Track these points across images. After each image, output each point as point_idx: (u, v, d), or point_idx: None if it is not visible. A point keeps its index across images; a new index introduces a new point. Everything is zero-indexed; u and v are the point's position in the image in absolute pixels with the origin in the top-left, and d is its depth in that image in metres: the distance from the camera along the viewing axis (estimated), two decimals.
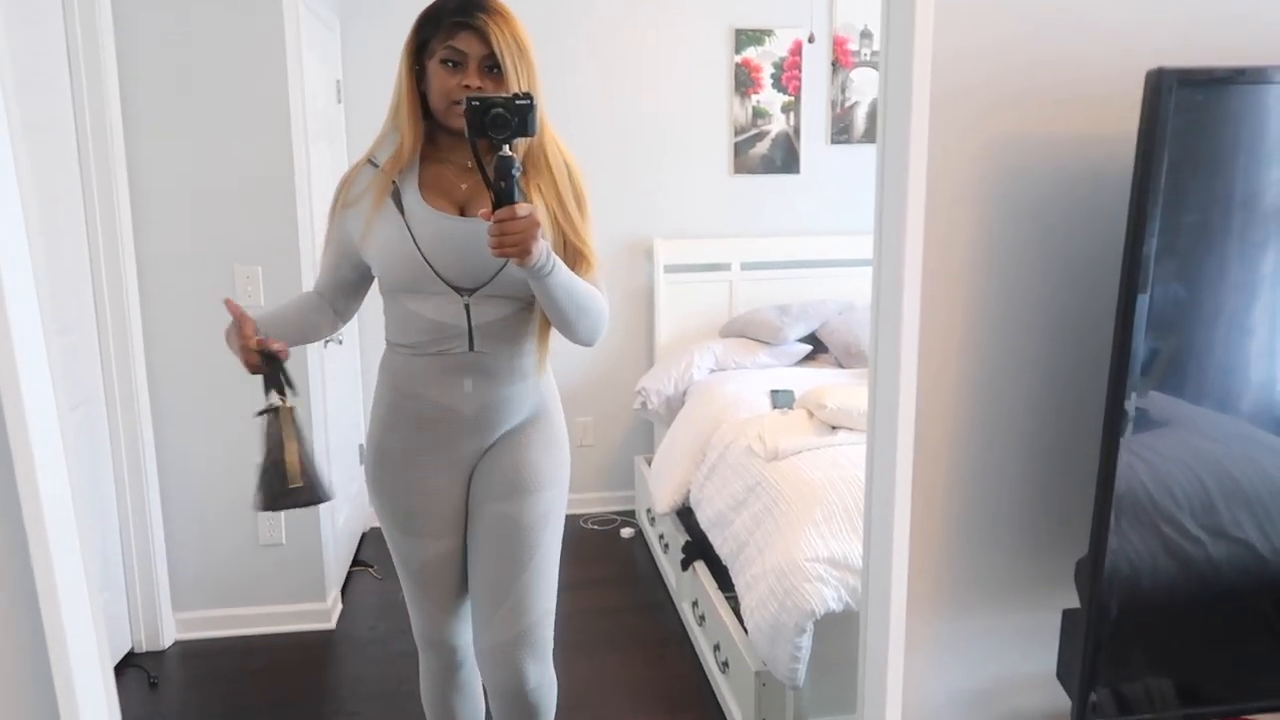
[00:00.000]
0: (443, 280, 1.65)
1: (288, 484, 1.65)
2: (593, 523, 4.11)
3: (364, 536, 3.94)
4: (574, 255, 1.69)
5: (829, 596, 2.16)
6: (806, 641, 2.15)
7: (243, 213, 2.94)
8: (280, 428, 1.66)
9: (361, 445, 3.99)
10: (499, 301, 1.68)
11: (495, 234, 1.45)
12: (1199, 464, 1.08)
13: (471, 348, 1.69)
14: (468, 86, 1.58)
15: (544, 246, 1.49)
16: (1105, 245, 0.99)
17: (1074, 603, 1.11)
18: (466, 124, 1.46)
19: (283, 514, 3.09)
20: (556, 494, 1.81)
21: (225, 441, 3.05)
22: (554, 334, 1.75)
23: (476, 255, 1.61)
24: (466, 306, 1.67)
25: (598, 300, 1.67)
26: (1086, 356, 1.05)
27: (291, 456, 1.65)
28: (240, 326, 1.62)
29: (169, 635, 3.09)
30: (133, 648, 3.04)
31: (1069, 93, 1.00)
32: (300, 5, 3.04)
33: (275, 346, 1.62)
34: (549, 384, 1.86)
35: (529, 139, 1.59)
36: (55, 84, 2.65)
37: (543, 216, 1.58)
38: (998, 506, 1.12)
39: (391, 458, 1.78)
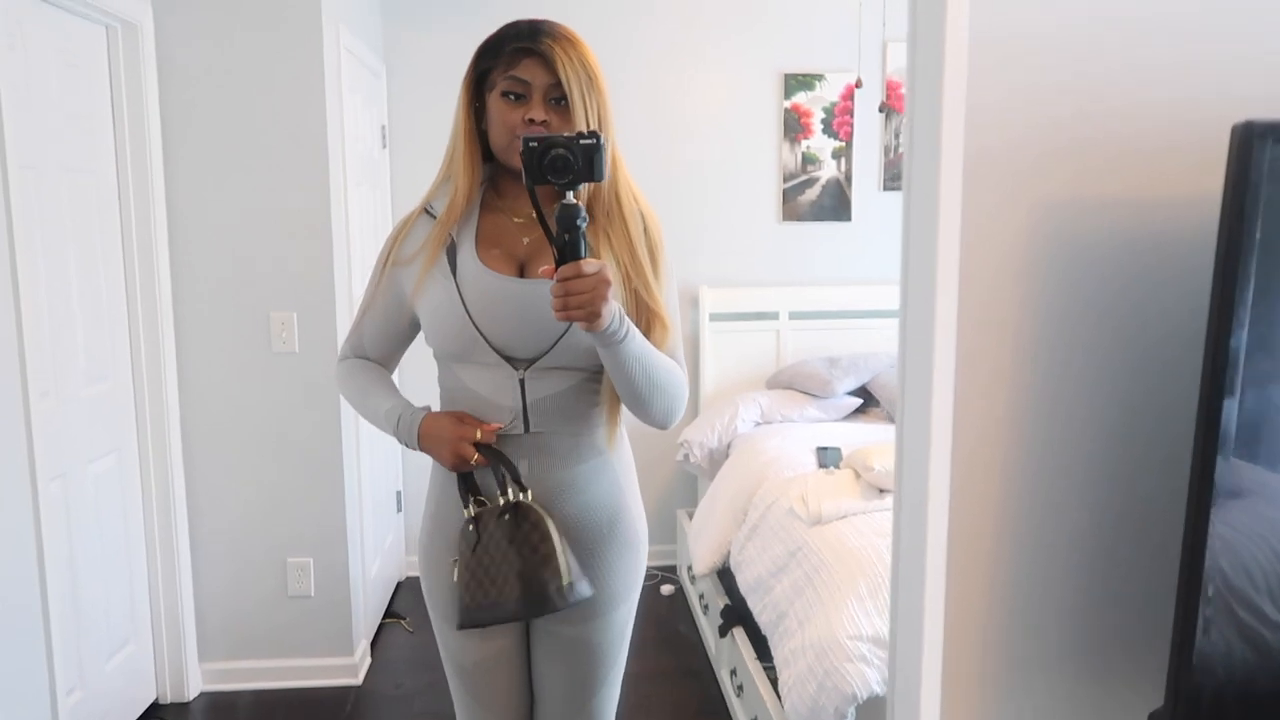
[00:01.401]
0: (494, 350, 1.47)
1: (561, 581, 1.42)
2: None
3: (398, 586, 3.86)
4: (647, 319, 1.47)
5: (872, 679, 2.01)
6: None
7: (280, 258, 2.91)
8: (535, 522, 1.44)
9: (399, 492, 3.93)
10: (559, 374, 1.48)
11: (559, 294, 1.27)
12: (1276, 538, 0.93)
13: (527, 429, 1.49)
14: (531, 121, 1.41)
15: (615, 308, 1.32)
16: (1175, 329, 0.85)
17: (1123, 693, 0.96)
18: (524, 168, 1.28)
19: (311, 562, 3.03)
20: (633, 602, 1.63)
21: (256, 490, 3.00)
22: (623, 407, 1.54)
23: (535, 322, 1.44)
24: (521, 382, 1.48)
25: (675, 374, 1.47)
26: (1153, 447, 0.91)
27: (560, 551, 1.43)
28: (464, 421, 1.48)
29: (195, 686, 3.03)
30: (157, 698, 2.98)
31: (1129, 149, 0.84)
32: (343, 50, 3.03)
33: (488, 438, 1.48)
34: (623, 460, 1.61)
35: (596, 184, 1.40)
36: (98, 128, 2.66)
37: (612, 274, 1.38)
38: (1044, 596, 0.97)
39: (437, 546, 1.58)
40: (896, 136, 4.04)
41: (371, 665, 3.22)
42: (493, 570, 1.44)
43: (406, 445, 1.55)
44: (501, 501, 1.45)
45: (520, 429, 1.50)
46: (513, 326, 1.46)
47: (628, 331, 1.35)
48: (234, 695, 3.03)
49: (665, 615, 3.65)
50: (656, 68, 3.93)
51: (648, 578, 3.93)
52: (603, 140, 1.28)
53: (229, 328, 2.94)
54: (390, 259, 1.57)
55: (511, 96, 1.43)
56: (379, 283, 1.59)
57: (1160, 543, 0.93)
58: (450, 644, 1.62)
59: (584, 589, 1.44)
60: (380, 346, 1.64)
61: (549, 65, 1.41)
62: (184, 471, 2.95)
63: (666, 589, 3.86)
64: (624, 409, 1.53)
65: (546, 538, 1.43)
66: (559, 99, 1.42)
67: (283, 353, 2.94)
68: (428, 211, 1.55)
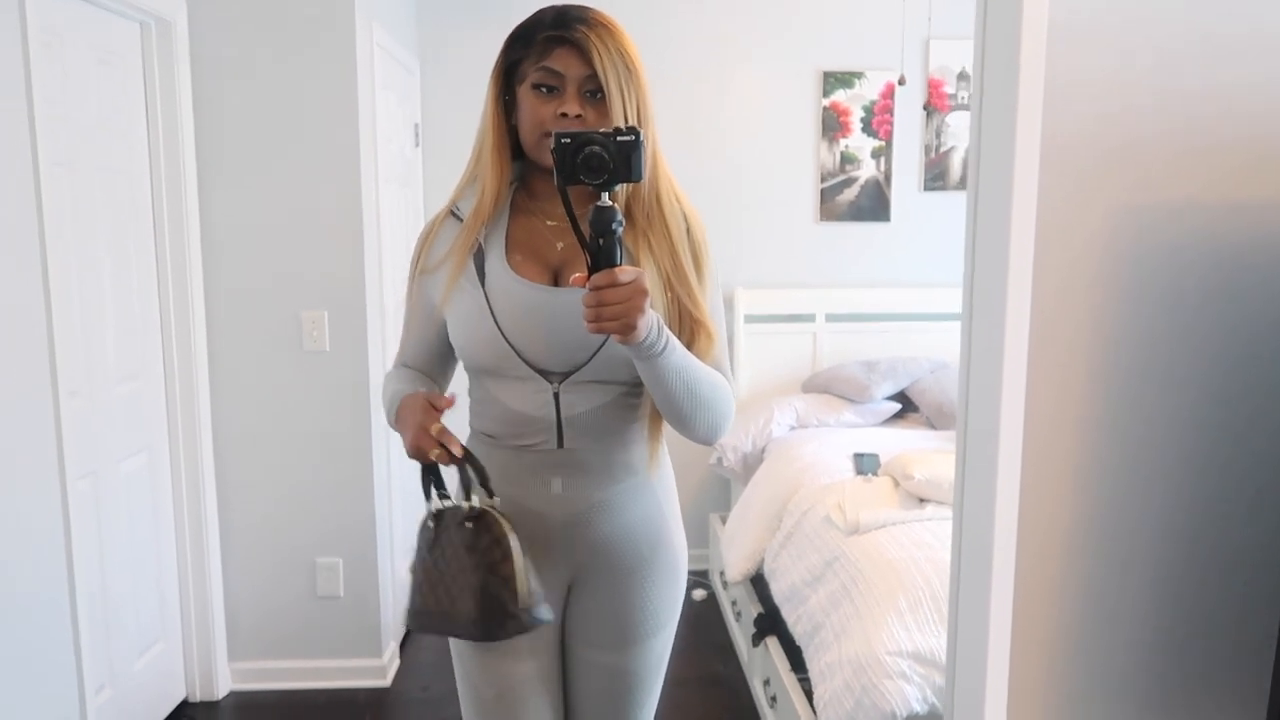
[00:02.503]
0: (527, 363, 1.37)
1: (517, 604, 1.32)
2: None
3: None
4: (690, 328, 1.37)
5: (912, 696, 1.94)
6: None
7: (310, 257, 2.89)
8: (499, 537, 1.33)
9: None
10: (596, 388, 1.38)
11: (592, 304, 1.17)
12: None
13: (560, 444, 1.40)
14: (564, 115, 1.30)
15: (653, 319, 1.21)
16: (1264, 342, 0.77)
17: None
18: (555, 167, 1.17)
19: (340, 563, 3.01)
20: (673, 629, 1.54)
21: (287, 489, 2.98)
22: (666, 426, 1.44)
23: (569, 333, 1.34)
24: (556, 396, 1.38)
25: (720, 388, 1.35)
26: (1241, 467, 0.83)
27: (522, 572, 1.33)
28: (430, 406, 1.35)
29: (224, 685, 3.02)
30: (186, 697, 2.97)
31: (1227, 146, 0.75)
32: (376, 47, 3.00)
33: (455, 448, 1.33)
34: (664, 480, 1.51)
35: (634, 184, 1.29)
36: (131, 126, 2.65)
37: (652, 281, 1.31)
38: (1116, 623, 0.89)
39: None
40: (938, 136, 3.95)
41: (400, 667, 3.19)
42: (448, 578, 1.35)
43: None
44: (465, 506, 1.34)
45: (554, 444, 1.41)
46: (546, 338, 1.36)
47: (666, 343, 1.25)
48: (262, 695, 3.02)
49: (698, 620, 3.59)
50: (693, 64, 3.87)
51: None
52: (642, 136, 1.18)
53: (260, 327, 2.92)
54: (420, 266, 1.47)
55: (544, 89, 1.33)
56: (411, 293, 1.50)
57: (1252, 572, 0.85)
58: (471, 671, 1.49)
59: (543, 614, 1.34)
60: (424, 360, 1.53)
61: (584, 55, 1.30)
62: (214, 470, 2.94)
63: (699, 594, 3.80)
64: (665, 425, 1.44)
65: (509, 556, 1.32)
66: (595, 91, 1.32)
67: (313, 351, 2.92)
68: (454, 214, 1.45)
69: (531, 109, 1.34)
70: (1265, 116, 0.73)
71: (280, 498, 2.99)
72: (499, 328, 1.37)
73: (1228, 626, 0.87)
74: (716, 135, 3.90)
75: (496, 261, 1.39)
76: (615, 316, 1.17)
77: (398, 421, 1.39)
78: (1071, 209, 0.70)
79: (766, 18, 3.87)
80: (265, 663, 3.06)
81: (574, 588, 1.48)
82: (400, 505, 3.33)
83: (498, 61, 1.40)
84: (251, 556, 3.01)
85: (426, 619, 1.38)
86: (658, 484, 1.49)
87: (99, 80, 2.48)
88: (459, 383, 1.51)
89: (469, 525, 1.34)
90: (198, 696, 2.98)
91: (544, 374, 1.38)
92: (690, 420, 1.34)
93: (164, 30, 2.68)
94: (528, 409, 1.40)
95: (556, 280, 1.39)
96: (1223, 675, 0.88)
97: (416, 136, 3.73)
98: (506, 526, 1.33)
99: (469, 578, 1.33)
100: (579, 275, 1.19)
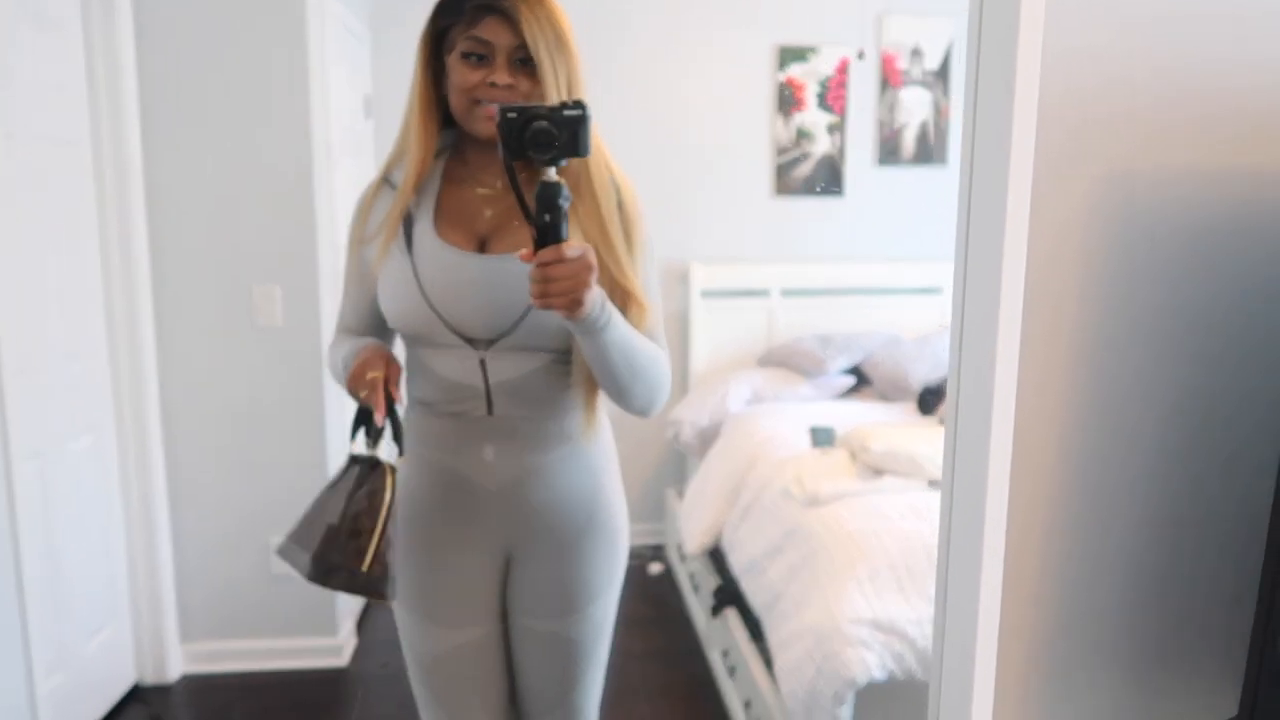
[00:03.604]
0: (452, 330, 1.38)
1: (360, 563, 1.30)
2: None
3: None
4: (621, 299, 1.37)
5: (872, 663, 1.98)
6: (847, 713, 1.96)
7: (262, 230, 2.83)
8: (376, 490, 1.34)
9: None
10: (523, 355, 1.39)
11: (538, 280, 1.17)
12: None
13: (490, 411, 1.41)
14: (494, 85, 1.32)
15: (598, 295, 1.22)
16: (1259, 313, 0.77)
17: (1191, 699, 0.91)
18: (501, 141, 1.17)
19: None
20: (614, 594, 1.55)
21: (239, 468, 2.93)
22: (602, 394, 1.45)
23: (494, 300, 1.36)
24: (482, 363, 1.39)
25: (658, 361, 1.37)
26: (1230, 435, 0.84)
27: (378, 533, 1.32)
28: (385, 363, 1.37)
29: (176, 668, 2.97)
30: (138, 681, 2.92)
31: (1226, 110, 0.75)
32: (328, 16, 2.93)
33: (396, 392, 1.35)
34: (601, 447, 1.51)
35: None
36: (72, 94, 2.56)
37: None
38: (1104, 591, 0.90)
39: (406, 530, 1.49)
40: (892, 111, 3.98)
41: (358, 646, 3.17)
42: (317, 510, 1.37)
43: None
44: (364, 452, 1.36)
45: (483, 411, 1.41)
46: (471, 305, 1.36)
47: (609, 318, 1.26)
48: (216, 678, 2.98)
49: (655, 594, 3.62)
50: (647, 38, 3.84)
51: (635, 556, 3.91)
52: (588, 111, 1.18)
53: (210, 302, 2.85)
54: (359, 236, 1.48)
55: (473, 58, 1.33)
56: (350, 263, 1.50)
57: (1237, 538, 0.87)
58: (412, 639, 1.51)
59: (386, 588, 1.31)
60: (364, 329, 1.53)
61: (513, 25, 1.31)
62: (164, 449, 2.88)
63: (655, 568, 3.82)
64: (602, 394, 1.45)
65: (374, 512, 1.32)
66: (525, 60, 1.33)
67: (266, 327, 2.86)
68: (388, 182, 1.46)
69: (461, 77, 1.34)
70: (1267, 81, 0.73)
71: (232, 476, 2.93)
72: (424, 294, 1.37)
73: (1211, 586, 0.90)
74: (671, 110, 3.88)
75: (424, 229, 1.39)
76: (562, 293, 1.17)
77: (358, 363, 1.37)
78: (1058, 174, 0.71)
79: None
80: (218, 643, 3.01)
81: (513, 557, 1.49)
82: None
83: (425, 28, 1.39)
84: (203, 536, 2.96)
85: (287, 546, 1.38)
86: (595, 452, 1.49)
87: (37, 47, 2.38)
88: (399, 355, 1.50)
89: (355, 469, 1.36)
90: (150, 680, 2.93)
91: (470, 341, 1.39)
92: (628, 393, 1.36)
93: None
94: (457, 376, 1.40)
95: (484, 248, 1.39)
96: (1209, 634, 0.91)
97: (368, 108, 3.66)
98: (387, 489, 1.34)
99: (329, 515, 1.34)
100: (525, 251, 1.19)
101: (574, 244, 1.18)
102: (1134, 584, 0.87)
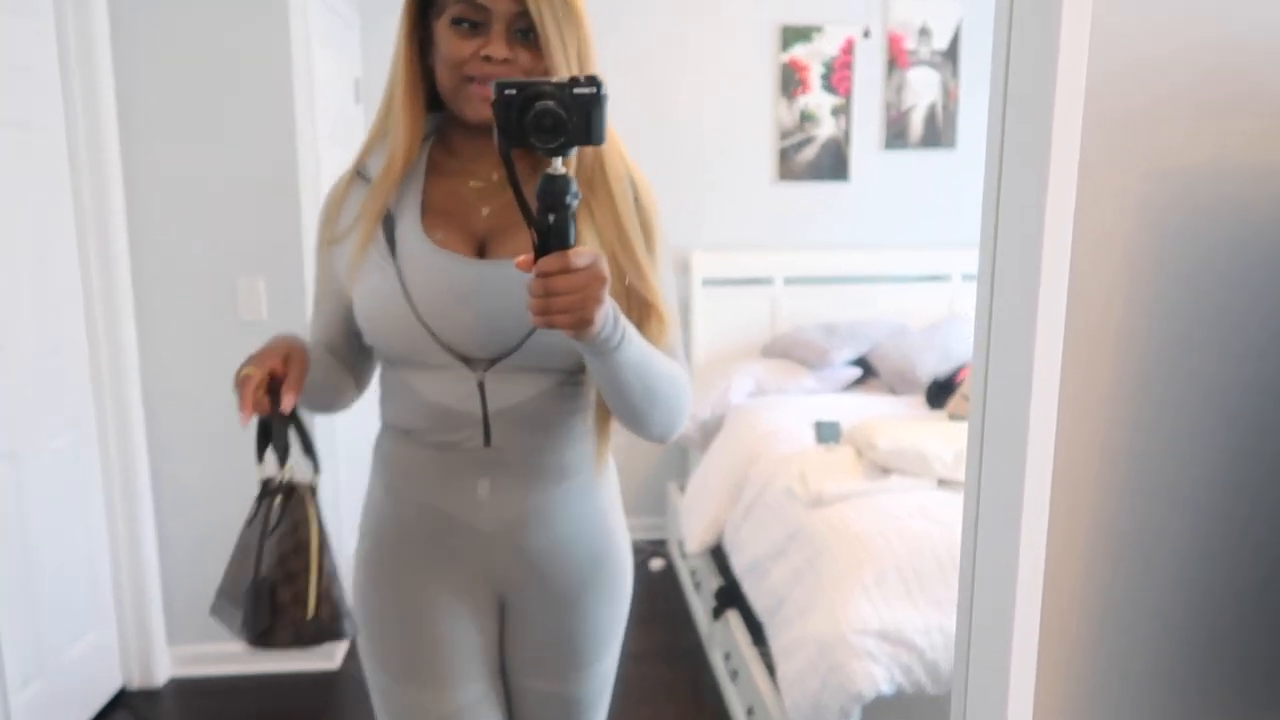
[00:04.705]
0: (446, 348, 1.17)
1: (304, 611, 1.13)
2: None
3: None
4: (640, 311, 1.18)
5: (880, 677, 1.89)
6: None
7: (246, 221, 2.73)
8: (299, 522, 1.15)
9: None
10: (528, 376, 1.19)
11: (540, 294, 0.97)
12: None
13: (488, 441, 1.21)
14: (489, 58, 1.11)
15: (610, 310, 1.03)
16: None
17: None
18: (497, 125, 0.96)
19: None
20: (617, 649, 1.39)
21: (225, 466, 2.84)
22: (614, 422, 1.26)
23: (495, 313, 1.15)
24: (481, 385, 1.19)
25: (678, 381, 1.18)
26: None
27: (314, 572, 1.14)
28: (282, 359, 1.13)
29: (163, 672, 2.89)
30: (124, 685, 2.84)
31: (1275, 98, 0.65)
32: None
33: (286, 396, 1.10)
34: (609, 484, 1.32)
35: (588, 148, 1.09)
36: (45, 82, 2.45)
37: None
38: (1149, 608, 0.81)
39: (381, 578, 1.28)
40: (899, 93, 3.86)
41: (349, 648, 3.09)
42: (241, 553, 1.17)
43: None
44: (276, 479, 1.15)
45: (480, 442, 1.21)
46: (468, 319, 1.16)
47: (623, 336, 1.06)
48: (205, 682, 2.90)
49: (656, 590, 3.53)
50: (647, 17, 3.72)
51: (637, 551, 3.82)
52: (604, 89, 0.97)
53: (192, 295, 2.75)
54: (328, 237, 1.26)
55: (465, 25, 1.13)
56: (320, 266, 1.29)
57: None
58: (391, 702, 1.28)
59: (341, 628, 1.15)
60: (338, 345, 1.31)
61: None
62: (147, 448, 2.79)
63: (656, 564, 3.73)
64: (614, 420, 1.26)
65: (302, 548, 1.13)
66: (526, 31, 1.12)
67: (251, 321, 2.76)
68: (360, 175, 1.25)
69: (451, 48, 1.14)
70: None
71: (218, 475, 2.84)
72: (412, 306, 1.16)
73: (1267, 620, 0.80)
74: (671, 92, 3.77)
75: (410, 229, 1.19)
76: (568, 309, 0.98)
77: (247, 358, 1.15)
78: (1110, 168, 0.60)
79: None
80: (207, 646, 2.93)
81: (508, 608, 1.31)
82: (345, 482, 3.20)
83: None
84: (189, 537, 2.87)
85: (218, 604, 1.20)
86: (602, 487, 1.31)
87: (6, 30, 2.28)
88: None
89: (277, 501, 1.17)
90: (136, 684, 2.85)
91: (466, 360, 1.18)
92: (645, 419, 1.17)
93: None
94: (448, 401, 1.19)
95: (482, 252, 1.19)
96: (1259, 672, 0.82)
97: (357, 92, 3.55)
98: (311, 513, 1.17)
99: (252, 564, 1.15)
100: (524, 257, 1.00)
101: (583, 250, 0.98)
102: (1192, 603, 0.78)
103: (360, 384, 1.37)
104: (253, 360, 1.13)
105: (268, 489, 1.21)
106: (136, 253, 2.71)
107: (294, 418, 1.18)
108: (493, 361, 1.19)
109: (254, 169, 2.70)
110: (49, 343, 2.47)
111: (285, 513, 1.17)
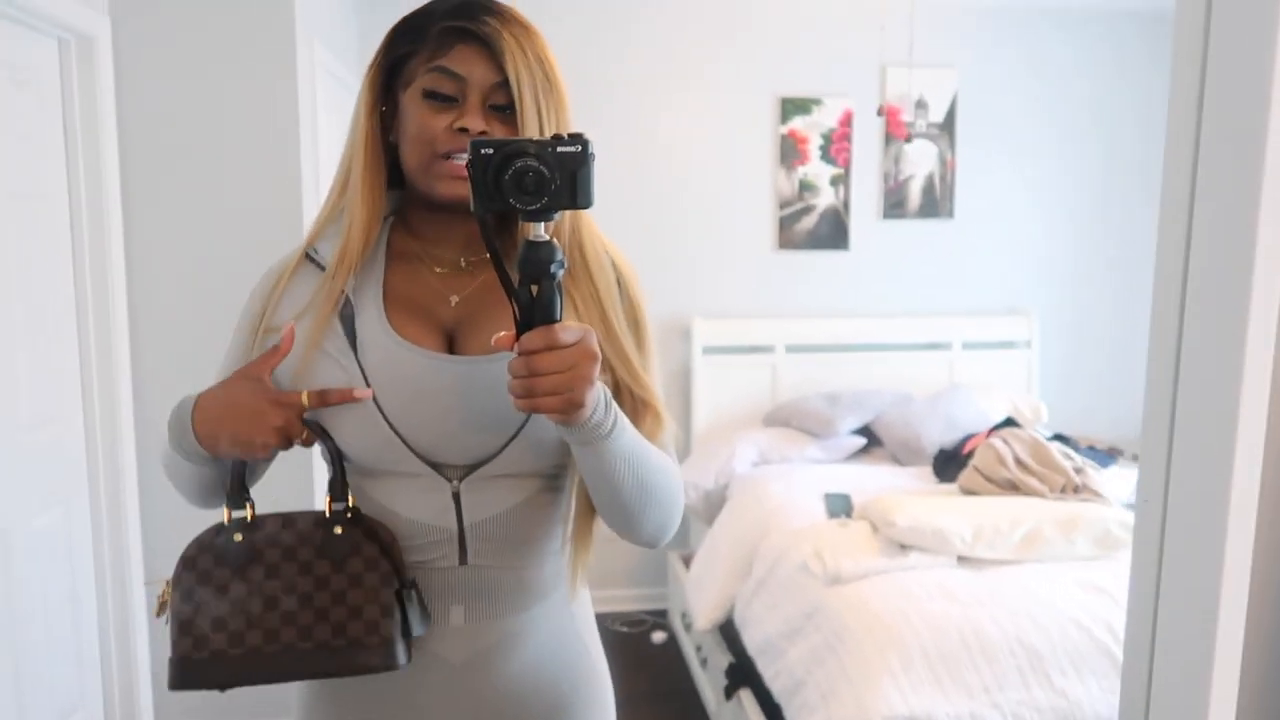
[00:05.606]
0: (418, 456, 1.04)
1: (383, 634, 1.02)
2: (621, 624, 3.76)
3: None
4: (633, 409, 1.06)
5: None
6: None
7: (247, 289, 2.67)
8: (371, 549, 1.03)
9: None
10: (509, 484, 1.06)
11: (522, 374, 0.87)
12: None
13: (464, 559, 1.06)
14: (464, 131, 1.00)
15: (601, 392, 0.92)
16: None
17: None
18: (473, 187, 0.87)
19: None
20: None
21: None
22: (598, 522, 1.12)
23: (476, 415, 1.03)
24: (456, 497, 1.05)
25: (673, 476, 1.07)
26: None
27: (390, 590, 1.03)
28: (262, 378, 1.03)
29: None
30: None
31: None
32: (318, 67, 2.82)
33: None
34: (584, 602, 1.19)
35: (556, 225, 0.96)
36: (48, 150, 2.42)
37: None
38: None
39: None
40: (897, 163, 3.89)
41: None
42: (277, 604, 1.03)
43: (185, 454, 1.09)
44: (339, 506, 1.04)
45: (454, 560, 1.06)
46: (445, 424, 1.03)
47: (615, 421, 0.95)
48: None
49: (658, 665, 3.44)
50: (648, 89, 3.75)
51: (637, 623, 3.74)
52: (590, 149, 0.88)
53: (192, 368, 2.67)
54: (262, 327, 1.10)
55: (438, 97, 1.02)
56: (236, 351, 1.14)
57: None
58: None
59: (400, 656, 1.02)
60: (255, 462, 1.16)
61: (492, 56, 1.00)
62: (140, 525, 2.70)
63: (658, 636, 3.65)
64: (597, 524, 1.12)
65: (375, 564, 1.02)
66: (502, 106, 1.02)
67: None
68: (310, 258, 1.10)
69: (420, 123, 1.02)
70: None
71: None
72: (381, 410, 1.03)
73: None
74: (673, 162, 3.79)
75: (373, 321, 1.05)
76: (555, 390, 0.87)
77: (207, 415, 1.03)
78: None
79: (723, 42, 3.77)
80: None
81: None
82: None
83: (375, 59, 1.07)
84: None
85: (209, 669, 1.07)
86: (579, 604, 1.17)
87: (12, 103, 2.25)
88: (318, 470, 1.16)
89: (338, 531, 1.04)
90: None
91: (439, 468, 1.05)
92: (638, 518, 1.03)
93: (85, 48, 2.46)
94: (419, 515, 1.06)
95: (451, 346, 1.07)
96: None
97: None
98: (376, 525, 1.06)
99: (308, 595, 1.03)
100: (503, 335, 0.90)
101: (570, 325, 0.88)
102: None
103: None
104: (247, 410, 1.03)
105: (264, 526, 1.13)
106: (136, 322, 2.65)
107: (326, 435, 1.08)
108: (470, 469, 1.05)
109: (259, 238, 2.66)
110: (43, 412, 2.40)
111: (346, 540, 1.06)
